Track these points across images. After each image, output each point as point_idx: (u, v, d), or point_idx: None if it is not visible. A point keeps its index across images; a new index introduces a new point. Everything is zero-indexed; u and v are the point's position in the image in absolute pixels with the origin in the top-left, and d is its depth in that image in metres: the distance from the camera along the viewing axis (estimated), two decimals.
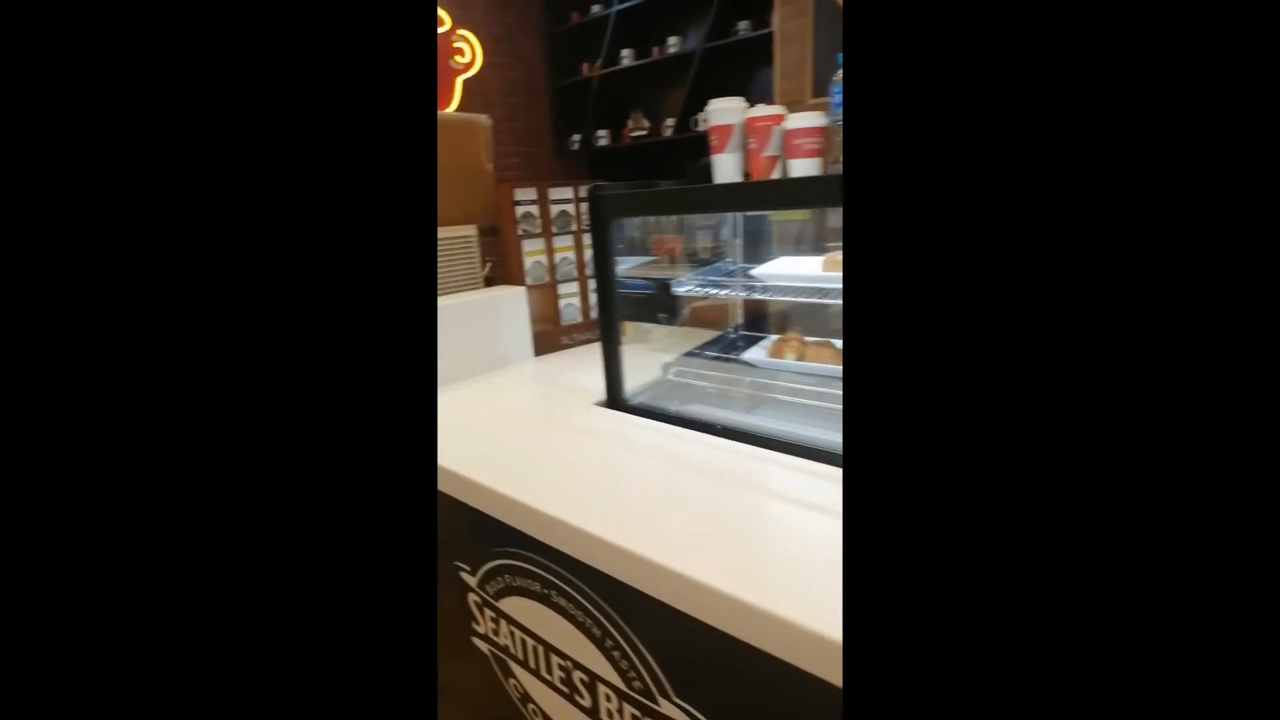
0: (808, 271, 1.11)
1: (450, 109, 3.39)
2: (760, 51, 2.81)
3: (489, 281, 1.53)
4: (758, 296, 1.19)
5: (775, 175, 1.13)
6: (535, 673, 0.97)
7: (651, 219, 1.55)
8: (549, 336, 1.55)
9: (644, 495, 0.82)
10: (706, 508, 0.78)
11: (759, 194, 0.93)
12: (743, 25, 2.79)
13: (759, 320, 1.44)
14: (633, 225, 1.55)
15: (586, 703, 0.89)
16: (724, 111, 1.10)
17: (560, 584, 0.85)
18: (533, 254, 1.48)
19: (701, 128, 3.10)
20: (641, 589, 0.70)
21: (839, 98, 1.02)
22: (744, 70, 3.06)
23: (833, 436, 0.92)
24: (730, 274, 1.30)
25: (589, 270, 1.60)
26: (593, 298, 1.63)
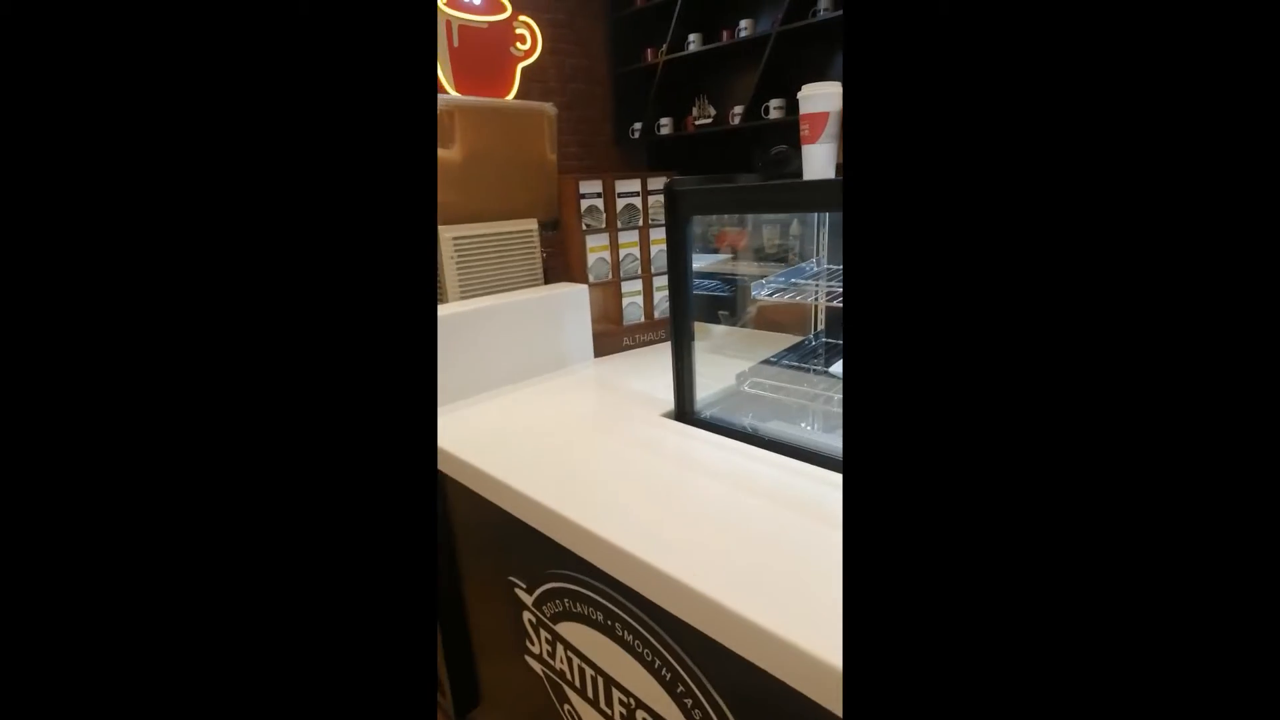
0: None
1: (509, 97, 3.36)
2: (840, 34, 2.64)
3: (545, 275, 1.46)
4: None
5: None
6: (594, 704, 0.91)
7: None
8: (610, 337, 1.48)
9: (713, 524, 0.75)
10: (779, 542, 0.70)
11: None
12: (824, 4, 2.61)
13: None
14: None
15: None
16: (820, 98, 0.99)
17: (625, 616, 0.78)
18: (596, 250, 1.41)
19: (773, 116, 2.95)
20: (708, 633, 0.62)
21: None
22: (822, 55, 2.89)
23: None
24: (815, 276, 1.19)
25: (653, 268, 1.51)
26: (657, 296, 1.55)
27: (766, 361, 1.20)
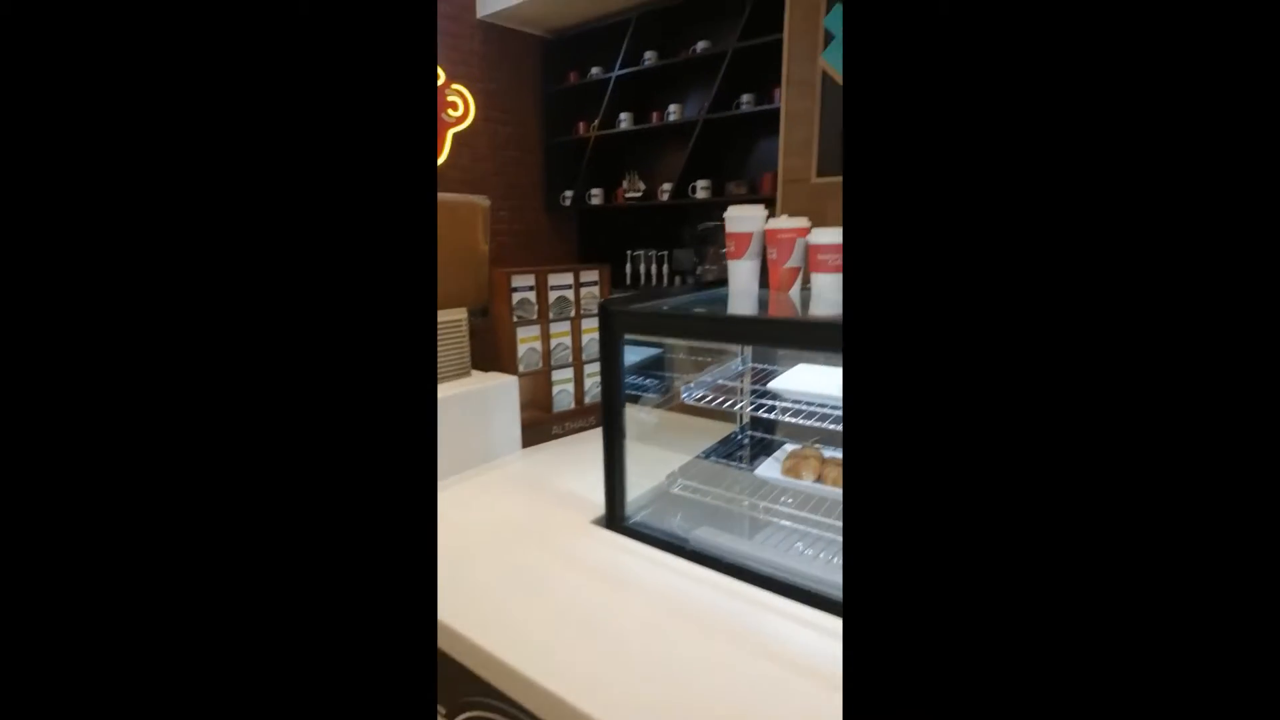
0: (834, 391, 1.03)
1: (440, 160, 3.35)
2: (762, 124, 2.82)
3: (473, 360, 1.44)
4: (774, 417, 1.11)
5: (796, 288, 1.07)
6: None
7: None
8: (540, 425, 1.46)
9: (639, 657, 0.73)
10: (705, 673, 0.70)
11: (815, 334, 0.82)
12: (746, 99, 2.80)
13: (772, 423, 1.36)
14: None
15: None
16: (745, 220, 1.05)
17: None
18: (527, 340, 1.40)
19: (699, 195, 3.09)
20: None
21: None
22: (746, 141, 3.07)
23: (840, 578, 0.83)
24: (740, 375, 1.23)
25: (585, 355, 1.52)
26: (588, 382, 1.55)
27: (698, 456, 1.22)
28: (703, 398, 1.13)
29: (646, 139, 3.49)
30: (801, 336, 0.83)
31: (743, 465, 1.27)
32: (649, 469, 1.15)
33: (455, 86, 3.36)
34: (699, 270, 3.14)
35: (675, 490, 1.14)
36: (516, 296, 1.36)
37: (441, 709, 0.91)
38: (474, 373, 1.39)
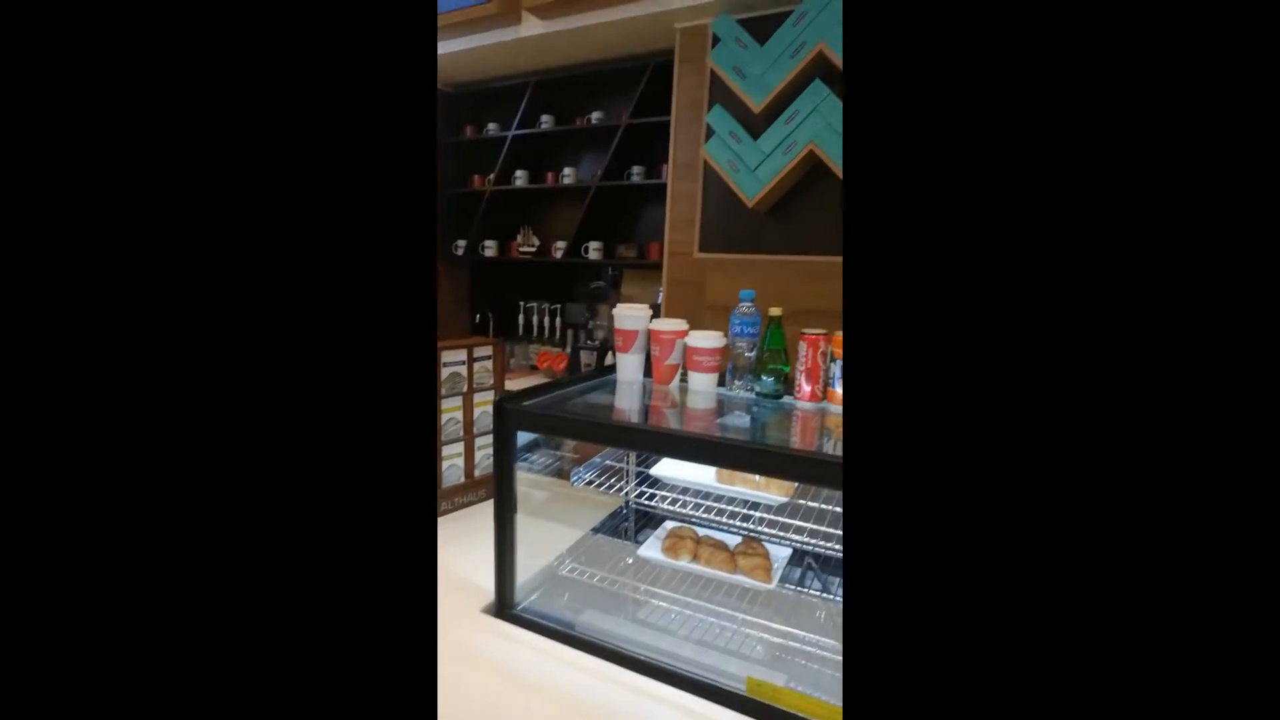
0: (705, 480, 1.13)
1: None
2: (651, 195, 3.00)
3: None
4: (650, 506, 1.19)
5: (675, 382, 1.17)
6: None
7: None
8: None
9: None
10: None
11: (685, 446, 0.91)
12: (636, 170, 2.97)
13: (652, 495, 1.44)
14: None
15: None
16: (631, 318, 1.14)
17: None
18: None
19: (592, 256, 3.20)
20: None
21: (738, 327, 1.10)
22: (636, 207, 3.24)
23: (715, 661, 0.94)
24: (625, 454, 1.31)
25: (476, 429, 1.53)
26: (479, 455, 1.56)
27: (590, 530, 1.26)
28: (590, 482, 1.19)
29: (541, 197, 3.58)
30: (677, 447, 0.92)
31: (629, 539, 1.34)
32: (539, 548, 1.19)
33: None
34: (589, 325, 3.26)
35: (563, 572, 1.18)
36: None
37: None
38: None
